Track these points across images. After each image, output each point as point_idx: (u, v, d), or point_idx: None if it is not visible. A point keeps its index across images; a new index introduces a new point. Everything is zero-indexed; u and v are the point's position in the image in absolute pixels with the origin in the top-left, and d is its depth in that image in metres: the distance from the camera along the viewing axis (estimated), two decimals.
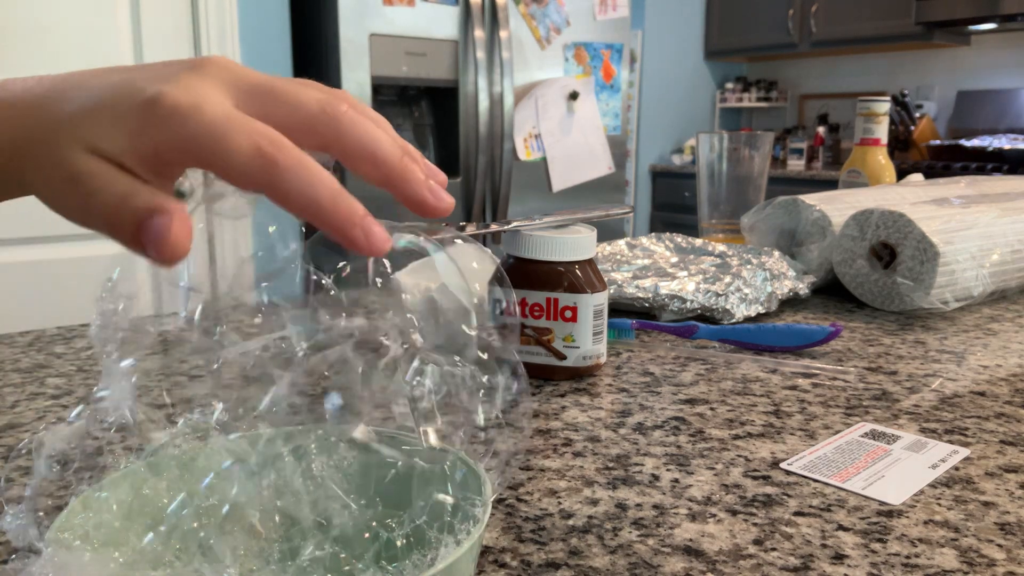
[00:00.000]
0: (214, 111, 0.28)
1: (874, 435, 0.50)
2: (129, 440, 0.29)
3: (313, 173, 0.28)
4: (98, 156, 0.28)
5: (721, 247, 0.88)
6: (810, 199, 0.90)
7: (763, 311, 0.77)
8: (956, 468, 0.45)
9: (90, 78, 0.30)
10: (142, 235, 0.26)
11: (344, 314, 0.30)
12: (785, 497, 0.41)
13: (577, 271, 0.58)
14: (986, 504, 0.41)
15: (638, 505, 0.40)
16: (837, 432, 0.50)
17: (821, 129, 3.95)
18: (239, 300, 0.31)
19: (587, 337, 0.59)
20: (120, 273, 0.29)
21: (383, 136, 0.30)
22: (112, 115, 0.28)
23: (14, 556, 0.26)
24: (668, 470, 0.45)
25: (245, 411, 0.30)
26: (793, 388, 0.59)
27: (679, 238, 0.93)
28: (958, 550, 0.36)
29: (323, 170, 0.28)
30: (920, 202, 0.86)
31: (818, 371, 0.62)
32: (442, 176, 0.33)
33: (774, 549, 0.36)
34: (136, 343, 0.28)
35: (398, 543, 0.29)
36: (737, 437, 0.49)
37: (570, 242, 0.58)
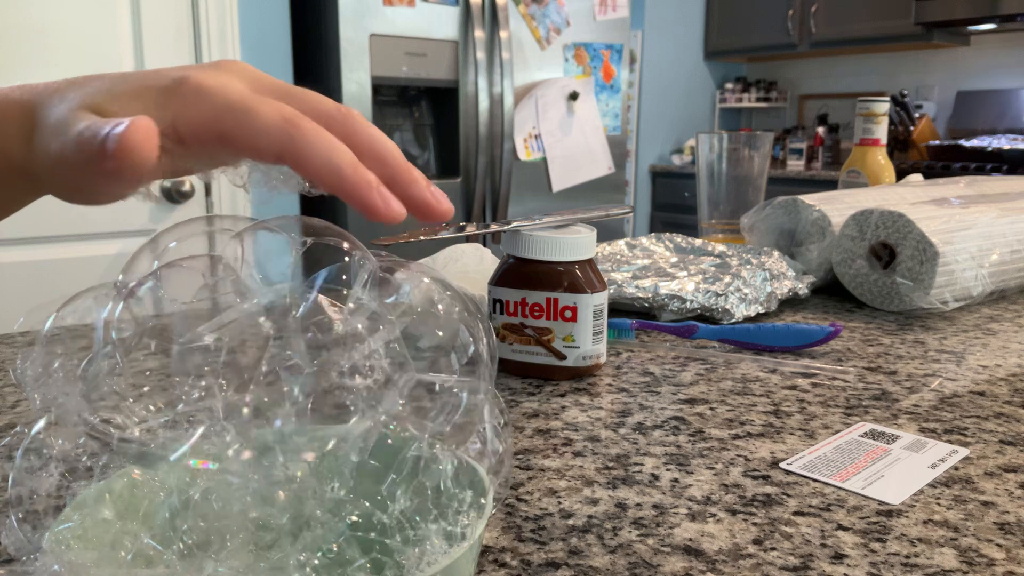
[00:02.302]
0: (239, 89, 0.29)
1: (873, 435, 0.50)
2: (127, 440, 0.29)
3: (333, 141, 0.29)
4: (100, 114, 0.29)
5: (721, 247, 0.88)
6: (810, 199, 0.90)
7: (763, 311, 0.77)
8: (955, 468, 0.45)
9: (108, 74, 0.31)
10: (106, 143, 0.26)
11: (342, 314, 0.30)
12: (785, 497, 0.41)
13: (577, 271, 0.58)
14: (985, 504, 0.41)
15: (638, 505, 0.40)
16: (837, 432, 0.50)
17: (821, 129, 3.95)
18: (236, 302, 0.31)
19: (587, 337, 0.59)
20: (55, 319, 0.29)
21: (392, 143, 0.31)
22: (133, 92, 0.30)
23: (27, 558, 0.26)
24: (668, 470, 0.45)
25: (240, 409, 0.30)
26: (793, 388, 0.59)
27: (679, 238, 0.93)
28: (957, 550, 0.36)
29: (339, 141, 0.29)
30: (919, 202, 0.86)
31: (818, 371, 0.62)
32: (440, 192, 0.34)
33: (774, 549, 0.36)
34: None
35: (397, 542, 0.29)
36: (737, 437, 0.49)
37: (570, 242, 0.58)
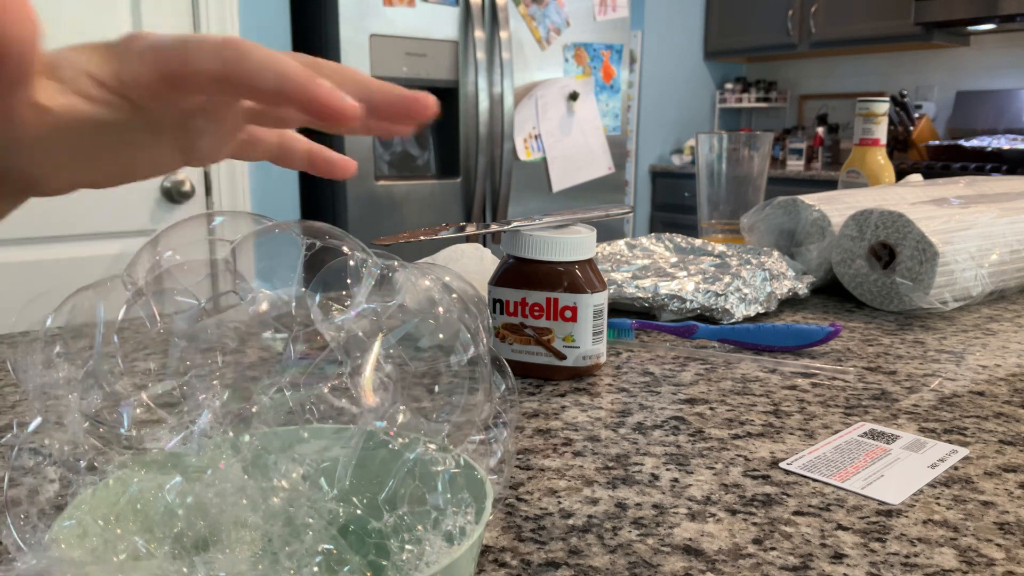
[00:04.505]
0: (178, 36, 0.29)
1: (873, 435, 0.50)
2: (126, 441, 0.29)
3: (272, 52, 0.28)
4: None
5: (721, 247, 0.88)
6: (809, 199, 0.90)
7: (762, 311, 0.77)
8: (955, 468, 0.45)
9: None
10: None
11: (344, 316, 0.30)
12: (784, 497, 0.41)
13: (577, 271, 0.58)
14: (985, 504, 0.41)
15: (638, 505, 0.41)
16: (836, 432, 0.50)
17: (820, 129, 3.95)
18: (234, 301, 0.31)
19: (587, 337, 0.59)
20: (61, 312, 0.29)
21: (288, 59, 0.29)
22: (73, 58, 0.29)
23: (27, 558, 0.26)
24: (668, 470, 0.45)
25: (239, 411, 0.30)
26: (792, 388, 0.59)
27: (679, 238, 0.93)
28: (957, 549, 0.36)
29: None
30: (919, 202, 0.86)
31: (817, 371, 0.62)
32: (426, 99, 0.32)
33: (773, 548, 0.36)
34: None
35: (397, 543, 0.29)
36: (736, 437, 0.49)
37: (570, 242, 0.58)
